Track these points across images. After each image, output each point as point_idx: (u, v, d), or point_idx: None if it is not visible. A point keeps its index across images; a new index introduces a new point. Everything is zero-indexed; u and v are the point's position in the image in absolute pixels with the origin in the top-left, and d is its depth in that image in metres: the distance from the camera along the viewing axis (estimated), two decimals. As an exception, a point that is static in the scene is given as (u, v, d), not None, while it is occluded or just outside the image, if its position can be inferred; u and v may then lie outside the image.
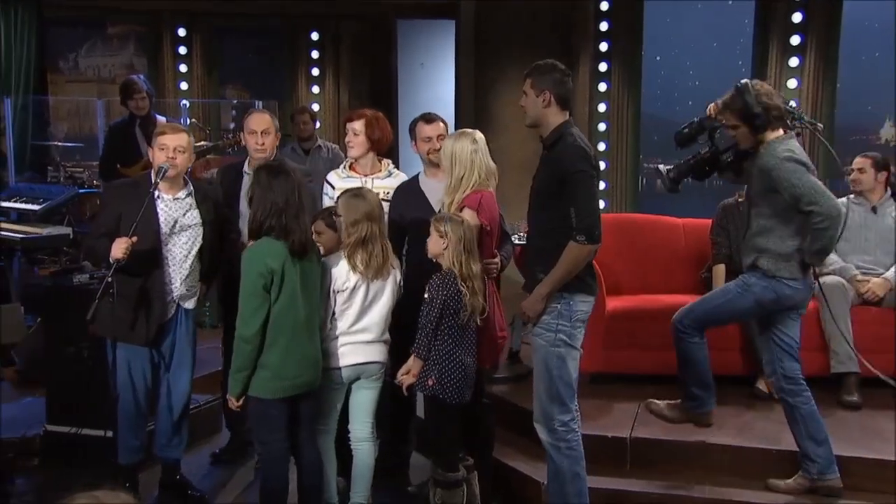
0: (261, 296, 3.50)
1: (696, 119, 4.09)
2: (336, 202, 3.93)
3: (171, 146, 3.96)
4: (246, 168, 4.54)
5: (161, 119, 6.36)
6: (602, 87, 8.23)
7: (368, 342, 3.84)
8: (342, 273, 3.76)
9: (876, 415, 4.68)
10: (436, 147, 4.16)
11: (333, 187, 4.39)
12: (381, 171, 4.44)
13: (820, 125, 4.17)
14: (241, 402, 3.63)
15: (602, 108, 8.28)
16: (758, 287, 3.91)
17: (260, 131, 4.47)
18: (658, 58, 8.79)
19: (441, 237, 3.72)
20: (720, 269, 5.29)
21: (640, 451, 4.37)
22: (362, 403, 3.93)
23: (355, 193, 3.85)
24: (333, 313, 3.79)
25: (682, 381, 4.26)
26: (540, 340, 3.63)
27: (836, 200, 3.71)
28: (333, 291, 3.76)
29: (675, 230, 5.86)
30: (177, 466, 4.28)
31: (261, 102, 9.17)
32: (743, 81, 3.85)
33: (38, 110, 9.30)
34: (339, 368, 3.80)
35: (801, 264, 3.82)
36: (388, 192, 4.30)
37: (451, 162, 3.90)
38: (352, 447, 3.95)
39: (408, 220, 4.16)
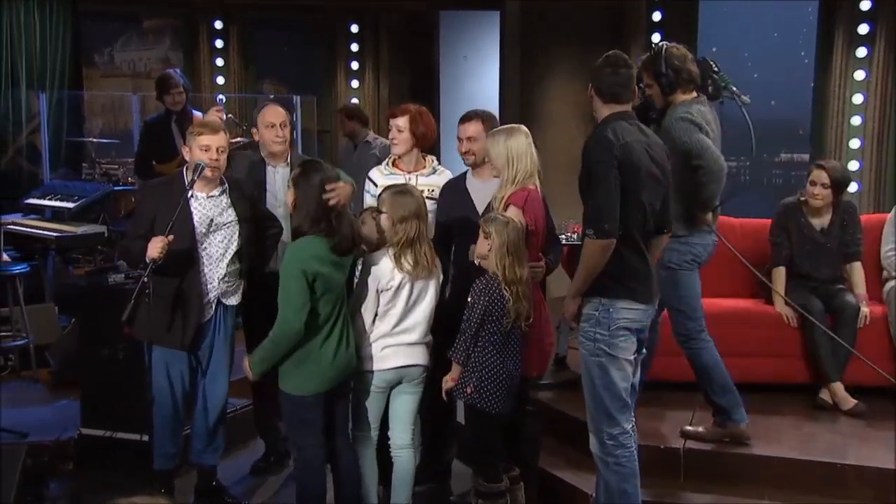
0: (305, 293, 3.54)
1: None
2: (379, 199, 3.95)
3: (214, 146, 4.00)
4: (270, 163, 4.57)
5: (197, 114, 6.43)
6: (654, 79, 8.15)
7: (411, 344, 3.85)
8: (386, 271, 3.77)
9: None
10: (464, 149, 4.20)
11: (376, 184, 4.42)
12: (425, 167, 4.45)
13: (746, 97, 4.33)
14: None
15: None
16: (673, 256, 4.19)
17: (279, 123, 4.52)
18: (714, 49, 8.70)
19: (486, 238, 3.73)
20: (780, 273, 5.22)
21: (695, 464, 4.33)
22: (403, 409, 3.94)
23: (401, 190, 3.86)
24: (376, 314, 3.81)
25: (705, 397, 4.30)
26: (582, 350, 3.61)
27: (721, 159, 4.06)
28: (377, 291, 3.78)
29: (732, 231, 5.76)
30: (213, 472, 4.33)
31: (298, 97, 9.26)
32: (661, 43, 4.29)
33: (73, 106, 9.46)
34: (382, 371, 3.81)
35: (692, 219, 4.17)
36: (432, 190, 4.32)
37: (507, 159, 3.89)
38: (392, 454, 3.96)
39: (453, 219, 4.18)
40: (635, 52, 8.14)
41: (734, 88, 4.30)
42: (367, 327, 3.80)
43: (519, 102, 8.92)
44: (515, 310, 3.72)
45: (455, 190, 4.27)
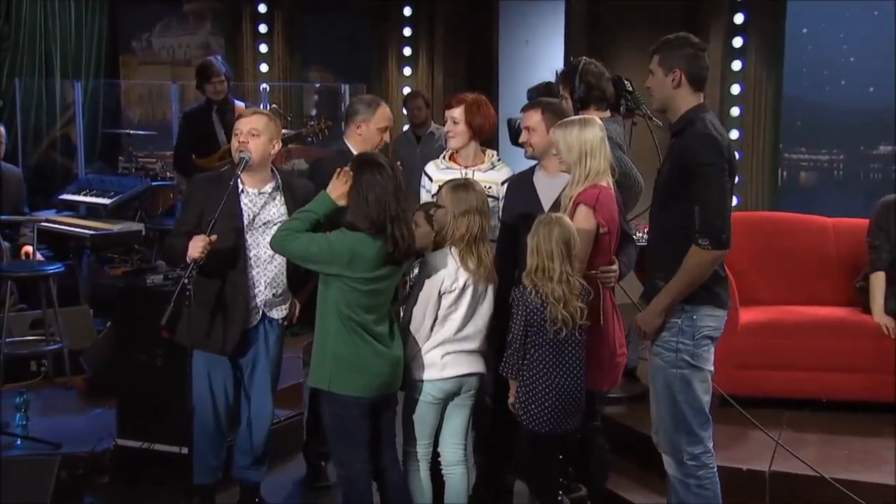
0: (320, 246, 3.57)
1: (546, 82, 4.73)
2: (436, 195, 3.93)
3: (243, 130, 4.02)
4: None
5: (240, 104, 6.49)
6: (736, 65, 8.03)
7: (471, 351, 3.84)
8: (451, 271, 3.74)
9: None
10: (521, 139, 4.18)
11: (431, 179, 4.42)
12: (483, 162, 4.45)
13: (657, 121, 4.58)
14: None
15: (736, 89, 8.08)
16: None
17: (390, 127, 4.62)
18: (804, 30, 8.53)
19: (532, 240, 3.69)
20: (879, 278, 5.11)
21: (782, 488, 4.25)
22: (456, 422, 3.93)
23: (461, 184, 3.85)
24: (435, 318, 3.78)
25: None
26: (659, 361, 3.55)
27: (640, 177, 4.49)
28: (440, 293, 3.75)
29: (824, 231, 5.70)
30: (256, 489, 4.36)
31: (347, 86, 9.32)
32: (580, 59, 4.65)
33: (110, 95, 9.65)
34: (442, 381, 3.78)
35: None
36: (489, 187, 4.30)
37: (579, 154, 3.84)
38: (443, 472, 3.94)
39: (517, 218, 4.14)
40: (715, 35, 8.04)
41: (646, 110, 4.61)
42: (424, 333, 3.77)
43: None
44: (562, 315, 3.63)
45: (520, 185, 4.25)
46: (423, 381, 3.78)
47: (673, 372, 3.50)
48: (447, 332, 3.78)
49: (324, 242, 3.59)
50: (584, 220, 3.76)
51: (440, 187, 3.95)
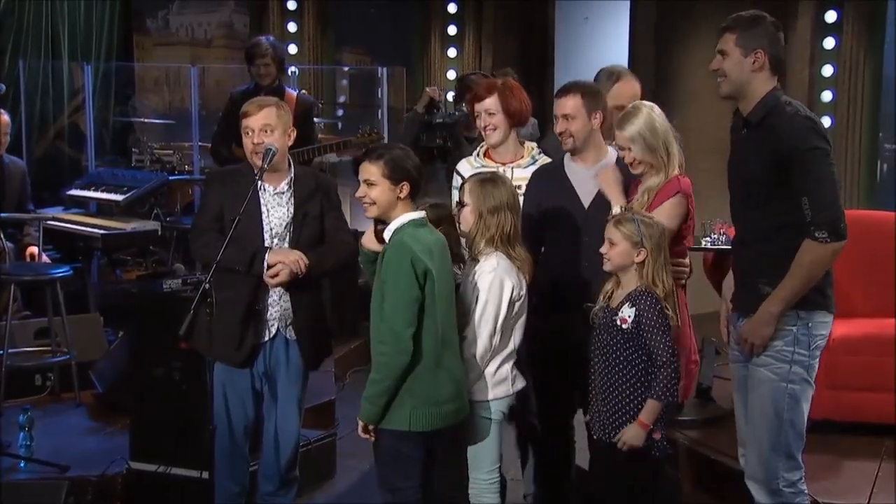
0: (416, 300, 3.51)
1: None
2: (461, 189, 3.90)
3: (255, 128, 4.03)
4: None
5: (291, 92, 6.47)
6: (828, 43, 7.92)
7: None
8: (515, 275, 3.76)
9: None
10: (559, 129, 4.08)
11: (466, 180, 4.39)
12: (523, 157, 4.37)
13: None
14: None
15: (827, 71, 7.98)
16: None
17: None
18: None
19: (635, 246, 3.61)
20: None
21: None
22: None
23: (488, 178, 3.84)
24: (495, 329, 3.78)
25: None
26: (766, 373, 3.53)
27: None
28: (509, 301, 3.75)
29: None
30: (284, 519, 4.39)
31: (385, 69, 9.33)
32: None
33: (122, 80, 9.74)
34: (510, 397, 3.84)
35: None
36: None
37: (658, 139, 3.86)
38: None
39: (546, 213, 4.10)
40: (804, 9, 7.93)
41: None
42: (493, 348, 3.78)
43: (654, 72, 8.82)
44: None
45: (549, 176, 4.17)
46: (496, 399, 3.80)
47: (783, 386, 3.51)
48: (514, 343, 3.83)
49: (403, 277, 3.52)
50: (678, 207, 3.88)
51: (462, 183, 3.94)
